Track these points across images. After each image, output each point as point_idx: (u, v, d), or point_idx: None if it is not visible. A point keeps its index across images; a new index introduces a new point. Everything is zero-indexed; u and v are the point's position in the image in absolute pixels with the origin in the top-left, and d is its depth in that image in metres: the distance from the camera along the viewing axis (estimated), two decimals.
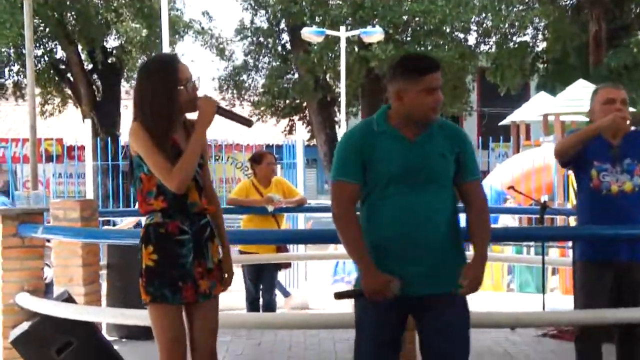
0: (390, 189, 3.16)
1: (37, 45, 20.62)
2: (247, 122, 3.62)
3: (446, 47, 20.54)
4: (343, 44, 17.40)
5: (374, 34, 17.16)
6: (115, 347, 5.56)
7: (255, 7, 23.65)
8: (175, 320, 3.41)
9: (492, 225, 3.98)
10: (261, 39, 24.00)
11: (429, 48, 20.43)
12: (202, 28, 24.38)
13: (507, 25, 21.63)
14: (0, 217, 5.39)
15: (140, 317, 4.29)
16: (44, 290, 5.73)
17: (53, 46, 22.61)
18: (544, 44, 22.74)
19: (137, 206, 3.56)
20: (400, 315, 3.24)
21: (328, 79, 23.71)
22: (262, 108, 24.64)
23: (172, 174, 3.32)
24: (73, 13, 20.80)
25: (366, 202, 3.25)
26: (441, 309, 3.16)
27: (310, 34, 17.17)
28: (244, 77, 25.14)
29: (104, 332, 6.07)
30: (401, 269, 3.13)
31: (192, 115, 3.51)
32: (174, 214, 3.40)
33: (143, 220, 3.52)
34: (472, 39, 22.66)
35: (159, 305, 3.38)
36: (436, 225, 3.15)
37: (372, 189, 3.21)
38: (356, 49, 20.68)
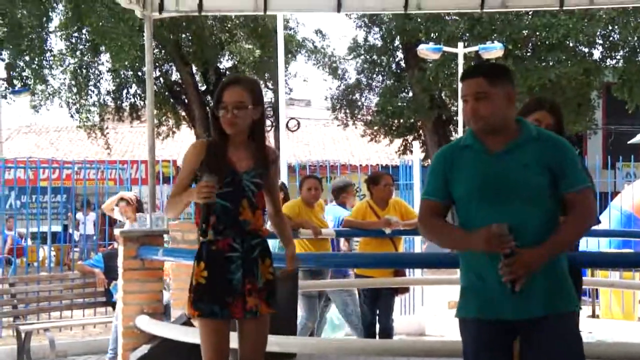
0: (472, 207, 3.10)
1: (154, 67, 21.33)
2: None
3: (569, 62, 20.04)
4: (460, 61, 17.25)
5: (493, 50, 16.93)
6: None
7: (369, 25, 23.76)
8: (222, 334, 3.63)
9: (621, 251, 3.82)
10: (375, 57, 24.07)
11: (551, 64, 20.00)
12: (315, 47, 24.67)
13: (635, 38, 20.96)
14: (122, 239, 5.57)
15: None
16: (163, 313, 5.89)
17: (168, 68, 23.33)
18: None
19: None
20: (503, 341, 3.11)
21: (444, 97, 23.53)
22: (376, 127, 24.65)
23: (169, 199, 3.71)
24: (188, 34, 21.42)
25: (457, 220, 3.23)
26: (537, 335, 3.03)
27: (427, 50, 17.09)
28: (357, 95, 25.25)
29: None
30: (491, 291, 3.05)
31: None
32: (225, 231, 3.62)
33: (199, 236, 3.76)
34: (597, 54, 22.03)
35: (208, 321, 3.60)
36: (523, 242, 2.97)
37: (459, 208, 3.19)
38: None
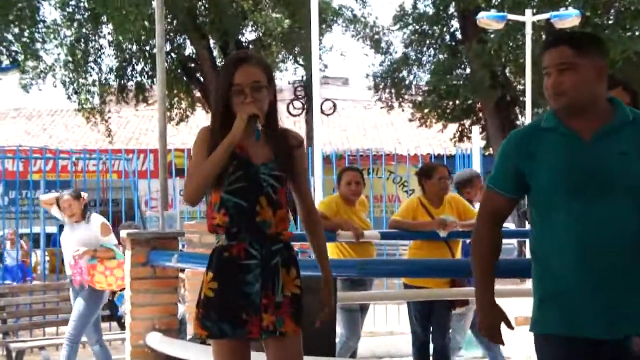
0: (556, 202, 3.06)
1: (165, 40, 21.44)
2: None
3: None
4: (529, 31, 17.14)
5: (568, 18, 16.79)
6: None
7: None
8: (239, 357, 3.56)
9: None
10: (425, 27, 24.01)
11: (637, 34, 19.80)
12: (354, 15, 24.67)
13: None
14: (129, 242, 5.59)
15: None
16: (177, 329, 5.91)
17: (181, 41, 23.43)
18: None
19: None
20: None
21: (508, 74, 23.40)
22: (426, 110, 24.61)
23: (186, 181, 3.54)
24: (205, 2, 21.50)
25: (533, 219, 3.20)
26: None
27: (489, 19, 17.01)
28: (404, 73, 25.21)
29: None
30: (574, 306, 3.02)
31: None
32: (240, 234, 3.54)
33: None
34: None
35: (222, 342, 3.53)
36: (615, 248, 2.96)
37: (536, 203, 3.16)
38: (544, 37, 20.30)
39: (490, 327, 3.22)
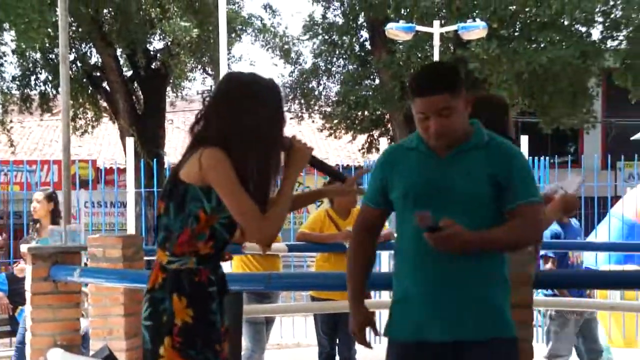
0: (406, 213, 3.33)
1: (70, 48, 21.16)
2: (339, 177, 3.75)
3: (563, 44, 20.29)
4: (437, 42, 17.41)
5: (475, 30, 17.13)
6: None
7: None
8: None
9: (623, 267, 4.00)
10: (335, 37, 24.15)
11: (542, 45, 20.24)
12: (264, 25, 24.66)
13: None
14: (29, 256, 5.54)
15: None
16: (80, 344, 5.86)
17: (86, 49, 23.15)
18: None
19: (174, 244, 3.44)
20: None
21: None
22: (336, 121, 24.72)
23: (265, 222, 3.32)
24: (110, 9, 21.29)
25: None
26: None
27: (397, 30, 17.23)
28: (314, 83, 25.32)
29: None
30: (418, 309, 3.29)
31: None
32: (206, 261, 3.42)
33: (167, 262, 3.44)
34: (596, 34, 22.37)
35: None
36: (449, 257, 3.20)
37: (396, 215, 3.45)
38: (452, 48, 20.63)
39: (359, 329, 3.51)
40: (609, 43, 22.33)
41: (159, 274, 3.41)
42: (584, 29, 21.77)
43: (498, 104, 4.77)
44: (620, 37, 22.25)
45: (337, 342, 7.36)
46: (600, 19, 21.94)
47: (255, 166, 3.36)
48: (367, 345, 3.57)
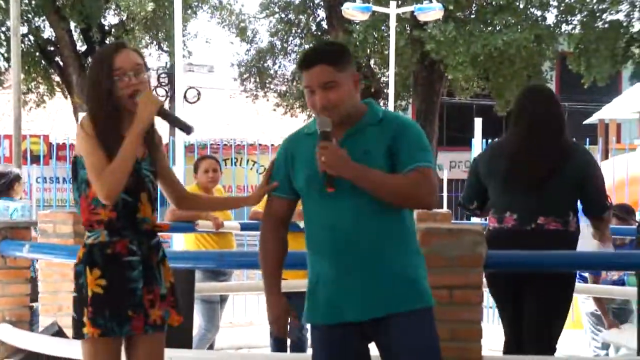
0: (311, 199, 3.37)
1: (21, 22, 20.87)
2: (187, 129, 3.71)
3: (519, 27, 20.43)
4: (393, 23, 17.43)
5: (431, 11, 17.18)
6: None
7: None
8: (115, 356, 3.59)
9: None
10: (291, 16, 24.11)
11: (498, 28, 20.36)
12: (220, 2, 24.54)
13: (595, 1, 21.48)
14: None
15: None
16: (29, 321, 5.81)
17: (39, 23, 22.86)
18: None
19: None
20: (354, 346, 3.39)
21: (373, 66, 23.72)
22: (291, 100, 24.73)
23: (101, 177, 3.45)
24: None
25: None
26: (384, 337, 3.31)
27: (354, 10, 17.23)
28: (270, 62, 25.26)
29: None
30: (326, 290, 3.35)
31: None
32: (121, 231, 3.56)
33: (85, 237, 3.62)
34: (551, 17, 22.54)
35: (105, 339, 3.52)
36: (358, 236, 3.27)
37: (302, 202, 3.45)
38: (408, 29, 20.67)
39: (275, 320, 3.55)
40: (563, 27, 22.53)
41: (81, 249, 3.63)
42: (539, 13, 21.94)
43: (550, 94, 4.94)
44: (575, 22, 22.45)
45: (289, 321, 7.36)
46: (555, 3, 22.14)
47: (102, 128, 3.51)
48: (286, 335, 3.64)
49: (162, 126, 4.26)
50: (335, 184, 3.21)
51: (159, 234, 3.74)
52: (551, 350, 4.70)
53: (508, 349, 4.88)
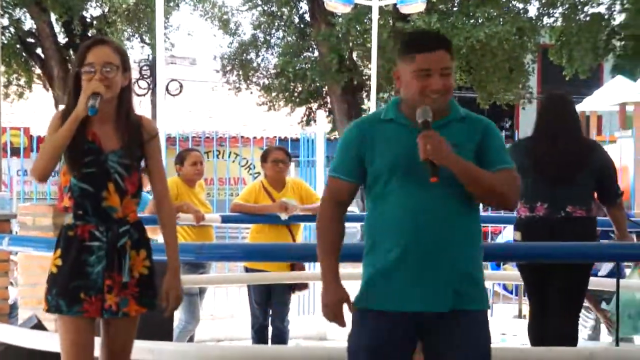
0: (392, 184, 3.33)
1: (2, 13, 20.77)
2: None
3: (501, 19, 20.47)
4: (375, 15, 17.37)
5: (414, 4, 17.11)
6: None
7: None
8: (77, 333, 3.68)
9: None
10: (274, 8, 24.03)
11: (480, 21, 20.38)
12: None
13: None
14: None
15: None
16: (8, 313, 5.80)
17: (20, 15, 22.74)
18: (622, 17, 22.60)
19: None
20: (401, 335, 3.35)
21: (355, 58, 23.69)
22: (274, 93, 24.65)
23: (35, 160, 3.72)
24: None
25: (369, 200, 3.45)
26: (443, 330, 3.30)
27: (336, 2, 17.14)
28: (252, 55, 25.18)
29: None
30: (392, 276, 3.30)
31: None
32: (85, 216, 3.72)
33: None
34: (533, 10, 22.57)
35: (63, 317, 3.69)
36: (442, 226, 3.28)
37: (373, 185, 3.39)
38: (391, 22, 20.65)
39: (331, 305, 3.39)
40: (545, 20, 22.59)
41: None
42: (521, 6, 21.97)
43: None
44: (556, 15, 22.52)
45: (270, 313, 7.37)
46: None
47: (65, 114, 3.71)
48: (344, 324, 3.45)
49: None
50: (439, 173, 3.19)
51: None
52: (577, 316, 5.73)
53: (534, 319, 5.77)
